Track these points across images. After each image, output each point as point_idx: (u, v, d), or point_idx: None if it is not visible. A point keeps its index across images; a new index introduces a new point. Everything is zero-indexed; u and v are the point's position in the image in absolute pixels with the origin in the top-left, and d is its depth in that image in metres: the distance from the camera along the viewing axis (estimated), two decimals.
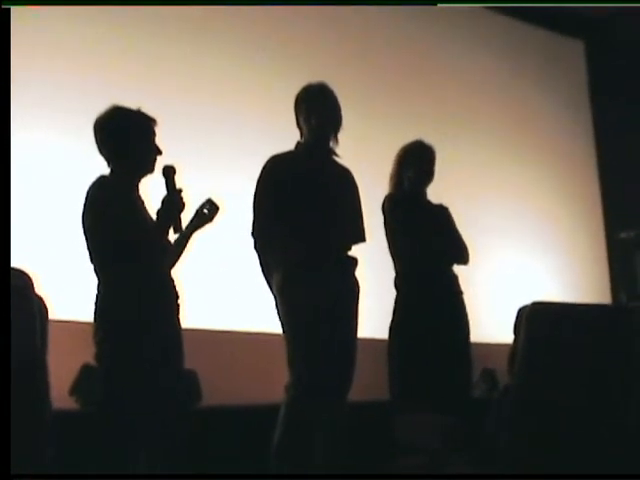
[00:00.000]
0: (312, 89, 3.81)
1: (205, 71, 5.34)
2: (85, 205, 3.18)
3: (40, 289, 2.63)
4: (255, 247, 3.68)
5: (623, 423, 2.94)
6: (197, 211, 3.42)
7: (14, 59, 3.05)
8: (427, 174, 4.35)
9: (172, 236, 3.29)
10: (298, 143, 3.81)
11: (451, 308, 4.24)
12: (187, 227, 3.38)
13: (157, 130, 3.33)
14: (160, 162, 3.29)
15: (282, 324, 3.60)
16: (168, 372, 3.14)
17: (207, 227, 3.47)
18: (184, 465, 3.18)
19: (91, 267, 3.22)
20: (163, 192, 3.22)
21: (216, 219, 3.46)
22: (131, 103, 3.32)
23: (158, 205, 3.21)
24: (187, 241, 3.42)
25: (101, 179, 3.21)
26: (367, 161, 5.26)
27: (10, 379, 2.32)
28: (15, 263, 2.58)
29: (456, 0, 6.63)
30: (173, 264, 3.39)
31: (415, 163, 4.32)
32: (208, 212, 3.42)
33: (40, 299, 2.74)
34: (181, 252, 3.42)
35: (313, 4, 5.81)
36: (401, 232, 4.23)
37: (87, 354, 3.27)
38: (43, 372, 2.62)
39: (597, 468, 2.83)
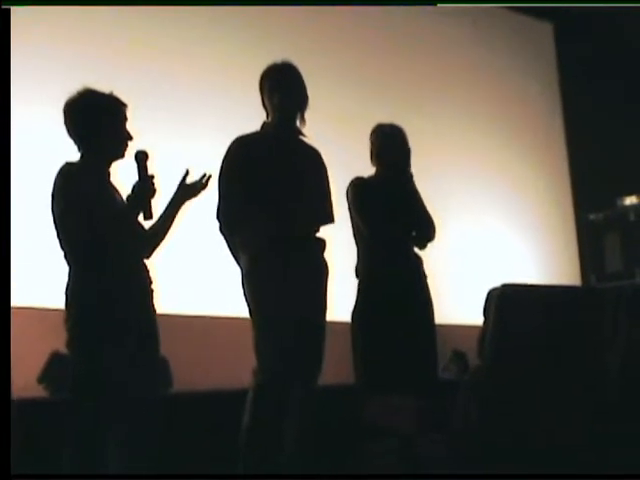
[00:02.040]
0: (276, 67, 3.74)
1: (205, 61, 5.43)
2: (53, 192, 3.14)
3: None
4: (220, 230, 3.64)
5: (594, 402, 2.96)
6: (178, 186, 3.34)
7: (14, 59, 3.03)
8: (399, 156, 4.31)
9: (145, 223, 3.25)
10: (264, 123, 3.75)
11: (414, 291, 4.21)
12: (170, 201, 3.32)
13: (138, 113, 3.30)
14: (137, 146, 3.25)
15: (249, 307, 3.56)
16: (140, 358, 3.10)
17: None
18: (154, 451, 3.17)
19: (61, 254, 3.19)
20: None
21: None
22: (132, 102, 3.30)
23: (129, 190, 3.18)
24: (173, 218, 3.33)
25: (67, 166, 3.17)
26: (341, 142, 5.27)
27: (10, 379, 2.31)
28: None
29: (456, 0, 6.63)
30: (157, 244, 3.32)
31: (385, 146, 4.30)
32: (190, 187, 3.33)
33: None
34: (165, 231, 3.32)
35: (312, 4, 5.81)
36: (362, 216, 4.20)
37: (56, 341, 3.25)
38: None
39: (567, 450, 2.85)
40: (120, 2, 5.00)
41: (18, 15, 3.64)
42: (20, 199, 4.31)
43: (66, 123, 3.24)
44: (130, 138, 3.24)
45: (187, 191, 3.35)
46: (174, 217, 3.34)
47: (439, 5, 6.37)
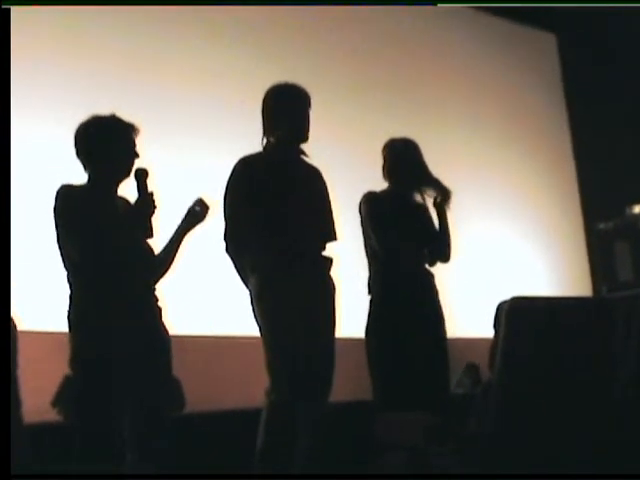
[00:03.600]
0: (280, 89, 3.79)
1: (205, 73, 5.42)
2: (54, 215, 3.18)
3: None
4: (227, 251, 3.66)
5: (607, 415, 2.95)
6: (188, 211, 3.40)
7: (14, 59, 3.05)
8: (413, 172, 4.31)
9: (150, 241, 3.28)
10: (267, 144, 3.78)
11: (427, 307, 4.21)
12: (177, 229, 3.38)
13: (143, 129, 3.34)
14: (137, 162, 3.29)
15: (260, 328, 3.58)
16: (145, 377, 3.12)
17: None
18: (168, 472, 3.17)
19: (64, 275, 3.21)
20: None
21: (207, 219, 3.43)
22: (133, 101, 3.32)
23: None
24: (179, 244, 3.39)
25: (67, 188, 3.20)
26: (344, 155, 5.28)
27: (10, 380, 2.32)
28: None
29: (456, 0, 6.64)
30: (165, 269, 3.38)
31: (398, 161, 4.30)
32: (199, 211, 3.39)
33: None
34: (173, 256, 3.38)
35: (312, 4, 5.83)
36: (375, 232, 4.20)
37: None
38: (14, 388, 2.60)
39: (581, 462, 2.83)
40: (121, 2, 4.99)
41: (18, 15, 3.67)
42: (23, 217, 4.34)
43: (75, 150, 3.30)
44: (137, 156, 3.29)
45: (194, 218, 3.39)
46: (180, 242, 3.39)
47: (439, 5, 6.39)
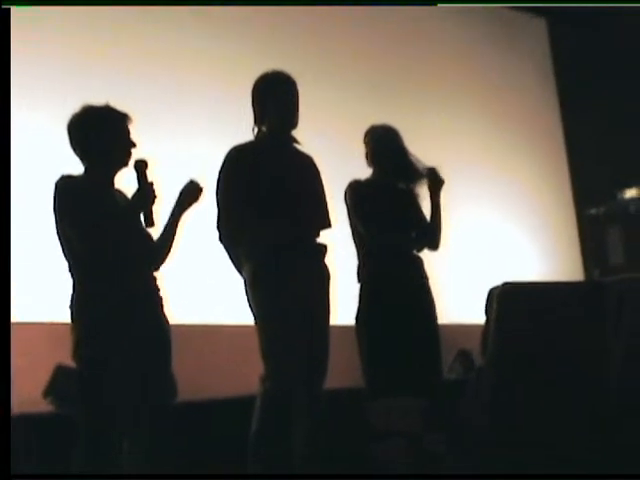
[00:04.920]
0: (269, 77, 3.77)
1: (204, 65, 5.44)
2: (54, 206, 3.16)
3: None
4: (220, 239, 3.66)
5: (600, 398, 2.96)
6: (180, 193, 3.38)
7: (14, 59, 3.04)
8: (395, 159, 4.32)
9: (151, 230, 3.29)
10: (259, 132, 3.77)
11: (416, 293, 4.21)
12: (171, 213, 3.36)
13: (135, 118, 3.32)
14: (135, 153, 3.28)
15: (254, 315, 3.58)
16: (147, 368, 3.12)
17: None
18: (163, 462, 3.18)
19: (63, 267, 3.20)
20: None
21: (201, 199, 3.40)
22: (133, 102, 3.32)
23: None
24: (175, 227, 3.37)
25: (67, 179, 3.19)
26: (338, 145, 5.28)
27: (10, 380, 2.32)
28: None
29: (456, 0, 6.64)
30: (165, 254, 3.37)
31: (380, 148, 4.31)
32: (191, 193, 3.38)
33: None
34: (172, 240, 3.37)
35: (312, 4, 5.82)
36: (362, 220, 4.20)
37: (60, 355, 3.26)
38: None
39: (574, 446, 2.85)
40: (121, 2, 4.99)
41: (18, 15, 3.67)
42: (22, 210, 4.34)
43: (70, 141, 3.28)
44: (133, 146, 3.28)
45: (187, 198, 3.38)
46: (177, 225, 3.38)
47: (439, 5, 6.40)
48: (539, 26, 7.86)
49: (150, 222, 3.22)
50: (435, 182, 4.30)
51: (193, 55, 5.44)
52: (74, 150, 3.28)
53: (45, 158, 4.52)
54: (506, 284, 3.08)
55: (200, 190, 3.37)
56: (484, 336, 3.52)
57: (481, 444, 2.90)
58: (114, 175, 3.31)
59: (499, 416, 2.86)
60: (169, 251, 3.38)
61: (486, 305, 3.84)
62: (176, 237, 3.38)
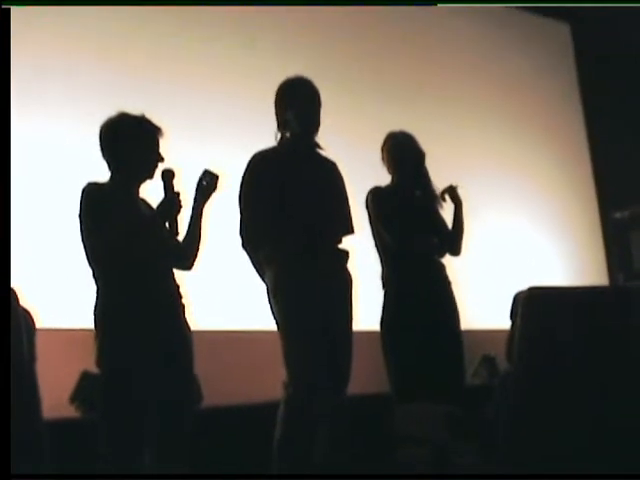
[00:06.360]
0: (292, 83, 3.78)
1: (217, 70, 5.42)
2: (79, 213, 3.17)
3: (26, 301, 2.62)
4: (243, 245, 3.66)
5: (629, 406, 2.93)
6: (197, 185, 3.39)
7: (14, 59, 3.04)
8: (416, 165, 4.32)
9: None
10: (282, 138, 3.78)
11: (440, 298, 4.21)
12: (193, 208, 3.37)
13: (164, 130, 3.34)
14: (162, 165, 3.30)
15: (276, 321, 3.57)
16: (170, 375, 3.13)
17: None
18: (187, 467, 3.18)
19: (87, 273, 3.21)
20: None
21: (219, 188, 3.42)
22: (133, 104, 3.32)
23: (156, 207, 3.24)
24: (199, 221, 3.39)
25: (93, 186, 3.20)
26: (356, 150, 5.26)
27: (10, 380, 2.32)
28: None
29: (456, 0, 6.63)
30: (195, 251, 3.39)
31: (399, 156, 4.31)
32: (208, 182, 3.38)
33: (26, 311, 2.72)
34: (199, 235, 3.39)
35: (313, 4, 5.82)
36: (384, 226, 4.20)
37: (85, 361, 3.26)
38: (32, 383, 2.61)
39: (601, 454, 2.81)
40: (121, 2, 4.96)
41: (18, 15, 3.67)
42: (44, 217, 4.35)
43: (100, 145, 3.29)
44: (161, 160, 3.29)
45: (206, 191, 3.39)
46: (201, 218, 3.39)
47: (441, 5, 6.39)
48: (563, 31, 7.84)
49: (175, 231, 3.24)
50: (454, 199, 4.32)
51: (214, 62, 5.43)
52: (103, 154, 3.29)
53: (45, 158, 4.53)
54: (532, 288, 3.05)
55: (217, 178, 3.38)
56: (509, 341, 3.51)
57: (505, 449, 2.87)
58: (139, 185, 3.32)
59: (525, 421, 2.83)
60: (198, 247, 3.40)
61: (511, 310, 3.83)
62: (202, 233, 3.39)
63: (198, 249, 3.40)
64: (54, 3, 4.64)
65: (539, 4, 7.23)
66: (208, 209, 3.42)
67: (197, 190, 3.39)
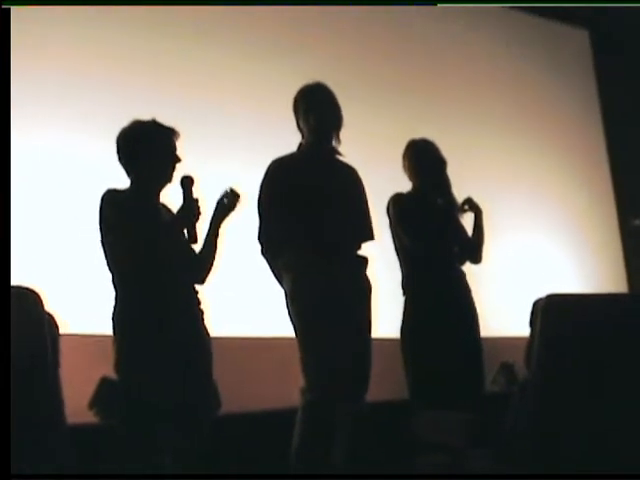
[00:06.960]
0: (309, 89, 3.80)
1: (219, 70, 5.38)
2: (100, 219, 3.20)
3: (50, 305, 2.63)
4: (262, 252, 3.67)
5: None
6: (218, 202, 3.41)
7: (14, 59, 3.06)
8: (437, 172, 4.32)
9: (194, 246, 3.31)
10: (300, 144, 3.80)
11: (460, 306, 4.21)
12: (210, 221, 3.38)
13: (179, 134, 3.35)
14: (180, 169, 3.31)
15: (294, 327, 3.58)
16: (188, 381, 3.14)
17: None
18: (206, 473, 3.18)
19: (106, 279, 3.23)
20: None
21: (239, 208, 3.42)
22: (134, 103, 3.34)
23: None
24: (216, 237, 3.40)
25: (113, 193, 3.22)
26: (376, 158, 5.26)
27: (10, 380, 2.33)
28: (25, 279, 2.58)
29: (456, 0, 6.63)
30: (210, 265, 3.40)
31: (421, 163, 4.32)
32: (229, 201, 3.40)
33: (50, 316, 2.74)
34: (214, 250, 3.40)
35: (313, 4, 5.82)
36: (406, 233, 4.21)
37: (104, 367, 3.27)
38: (56, 387, 2.62)
39: (619, 460, 2.80)
40: (121, 2, 4.95)
41: (18, 15, 3.68)
42: (70, 223, 4.37)
43: (117, 154, 3.32)
44: (178, 161, 3.31)
45: (225, 208, 3.39)
46: (218, 235, 3.40)
47: (439, 5, 6.38)
48: (582, 38, 7.81)
49: (194, 238, 3.25)
50: (474, 208, 4.33)
51: (231, 71, 5.43)
52: (120, 163, 3.32)
53: (45, 159, 4.53)
54: (551, 296, 3.05)
55: (238, 197, 3.39)
56: (529, 348, 3.49)
57: (524, 457, 2.87)
58: (159, 190, 3.34)
59: (545, 428, 2.83)
60: (213, 262, 3.40)
61: (531, 317, 3.80)
62: (218, 248, 3.40)
63: (212, 265, 3.41)
64: (54, 3, 4.65)
65: (541, 4, 7.18)
66: (226, 224, 3.43)
67: (217, 207, 3.41)
